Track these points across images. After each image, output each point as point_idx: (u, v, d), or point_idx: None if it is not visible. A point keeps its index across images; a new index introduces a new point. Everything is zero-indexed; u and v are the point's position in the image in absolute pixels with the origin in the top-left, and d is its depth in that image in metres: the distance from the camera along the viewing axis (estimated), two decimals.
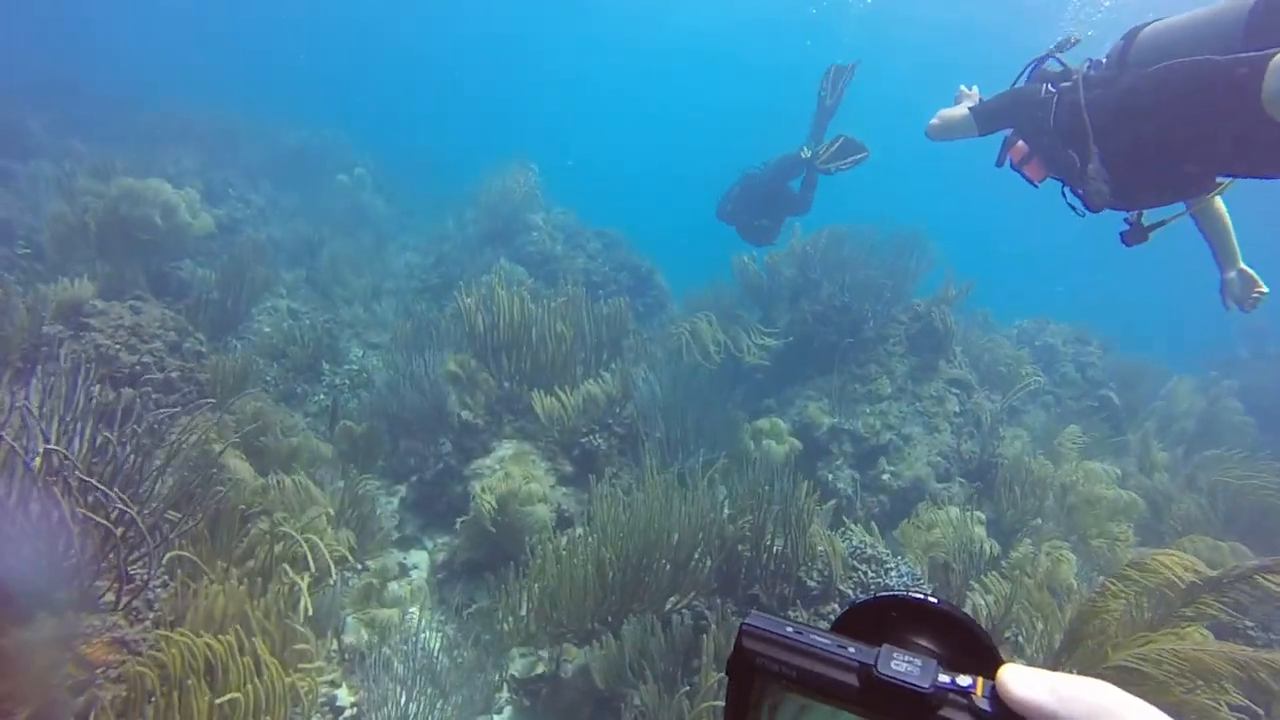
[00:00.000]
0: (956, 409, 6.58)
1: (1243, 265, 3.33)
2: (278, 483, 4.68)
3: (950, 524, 5.34)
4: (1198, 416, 9.17)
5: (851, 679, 0.48)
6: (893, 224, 8.34)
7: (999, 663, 0.49)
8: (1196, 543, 6.27)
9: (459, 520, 4.99)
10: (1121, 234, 3.22)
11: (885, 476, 6.06)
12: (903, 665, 0.48)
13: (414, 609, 4.79)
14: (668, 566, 4.12)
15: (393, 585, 4.83)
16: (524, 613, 4.17)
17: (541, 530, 4.84)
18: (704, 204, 9.60)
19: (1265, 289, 3.34)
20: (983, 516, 5.45)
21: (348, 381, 6.87)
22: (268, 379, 6.41)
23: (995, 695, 0.46)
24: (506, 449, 5.34)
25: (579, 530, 4.97)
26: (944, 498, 5.76)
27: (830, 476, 6.30)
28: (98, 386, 4.45)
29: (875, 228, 8.05)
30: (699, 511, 4.31)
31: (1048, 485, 5.96)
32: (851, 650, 0.49)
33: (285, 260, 9.40)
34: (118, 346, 4.55)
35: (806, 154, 7.80)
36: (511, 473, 4.84)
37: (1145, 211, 3.20)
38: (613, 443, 5.44)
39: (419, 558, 5.18)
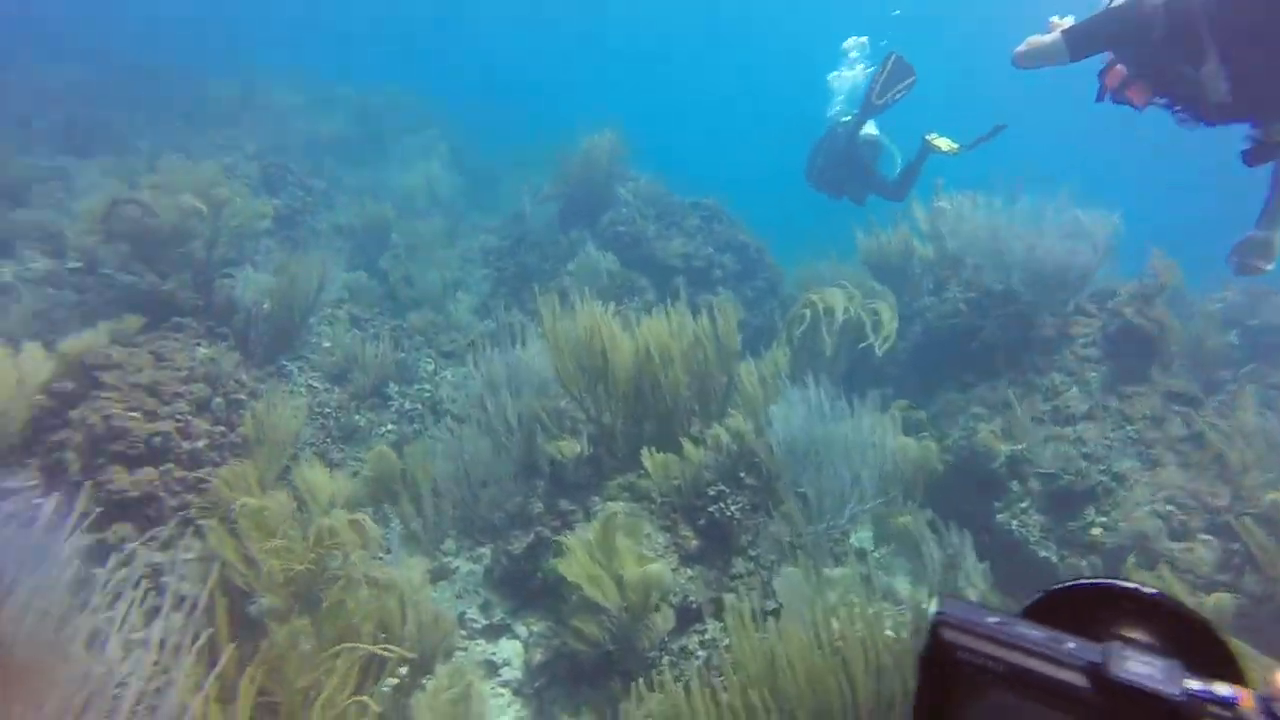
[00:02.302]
0: (1182, 433, 5.07)
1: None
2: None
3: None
4: None
5: (1079, 679, 0.41)
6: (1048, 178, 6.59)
7: (1238, 670, 0.43)
8: None
9: (561, 605, 3.98)
10: (1244, 151, 2.96)
11: (1096, 530, 4.67)
12: (1140, 666, 0.40)
13: None
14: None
15: (479, 693, 3.87)
16: None
17: (663, 624, 3.77)
18: (794, 160, 8.36)
19: (1270, 266, 3.26)
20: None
21: (418, 406, 5.92)
22: (327, 410, 5.51)
23: (1272, 711, 0.39)
24: (613, 512, 4.24)
25: (709, 630, 3.87)
26: (1182, 562, 4.36)
27: (1013, 523, 4.97)
28: (114, 468, 3.57)
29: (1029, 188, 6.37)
30: (877, 627, 3.13)
31: None
32: (1071, 646, 0.42)
33: (350, 253, 8.49)
34: (132, 415, 3.66)
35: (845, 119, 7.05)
36: (619, 549, 3.74)
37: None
38: (744, 500, 4.27)
39: (510, 650, 4.19)
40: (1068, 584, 0.52)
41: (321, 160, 10.06)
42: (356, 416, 5.62)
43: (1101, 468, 4.90)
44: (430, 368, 6.49)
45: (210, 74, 12.89)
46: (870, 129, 7.89)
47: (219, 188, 6.51)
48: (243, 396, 4.44)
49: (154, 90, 12.20)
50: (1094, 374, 5.41)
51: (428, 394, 6.11)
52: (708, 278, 7.69)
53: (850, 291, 6.56)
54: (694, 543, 4.11)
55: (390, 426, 5.70)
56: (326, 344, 6.34)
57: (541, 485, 4.76)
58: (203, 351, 4.45)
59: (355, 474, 5.08)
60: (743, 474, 4.35)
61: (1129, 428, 5.10)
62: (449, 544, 4.90)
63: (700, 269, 7.67)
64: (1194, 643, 0.47)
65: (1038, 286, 5.81)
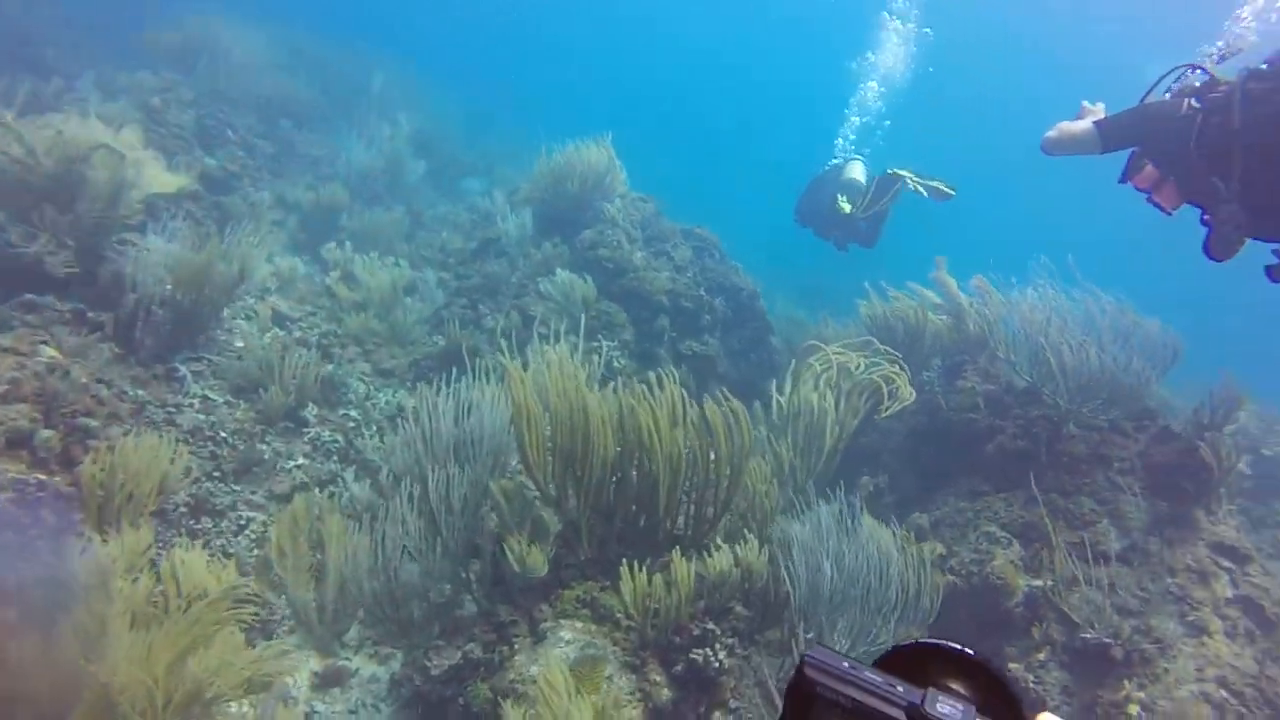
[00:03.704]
0: (1229, 594, 4.41)
1: None
2: None
3: None
4: None
5: (899, 715, 0.53)
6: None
7: (1023, 716, 0.58)
8: None
9: None
10: (1269, 268, 2.83)
11: (1132, 709, 3.93)
12: (946, 708, 0.53)
13: None
14: None
15: None
16: None
17: None
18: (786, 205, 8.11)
19: None
20: None
21: (338, 439, 4.86)
22: (223, 434, 4.42)
23: None
24: (565, 639, 3.30)
25: None
26: None
27: (1029, 677, 4.22)
28: None
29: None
30: None
31: None
32: (900, 689, 0.54)
33: (291, 233, 7.37)
34: None
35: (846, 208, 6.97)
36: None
37: None
38: (733, 640, 3.37)
39: None
40: (912, 642, 0.64)
41: (275, 122, 8.87)
42: (261, 445, 4.55)
43: (1136, 624, 4.19)
44: (362, 390, 5.43)
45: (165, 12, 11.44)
46: (856, 173, 7.51)
47: (131, 133, 5.37)
48: (95, 422, 3.35)
49: (98, 18, 10.72)
50: (1131, 508, 4.71)
51: (354, 423, 5.06)
52: (695, 322, 6.82)
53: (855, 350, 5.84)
54: (665, 693, 3.19)
55: (300, 461, 4.64)
56: (239, 343, 5.24)
57: (477, 569, 3.79)
58: (48, 353, 3.34)
59: (243, 526, 4.02)
60: (736, 604, 3.47)
61: (1170, 580, 4.41)
62: (353, 631, 3.88)
63: (689, 310, 6.79)
64: (996, 696, 0.59)
65: (1078, 393, 5.10)
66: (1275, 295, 3.50)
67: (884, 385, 5.35)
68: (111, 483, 3.07)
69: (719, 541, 3.51)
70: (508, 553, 3.37)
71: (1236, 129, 2.68)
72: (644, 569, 3.25)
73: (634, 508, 3.64)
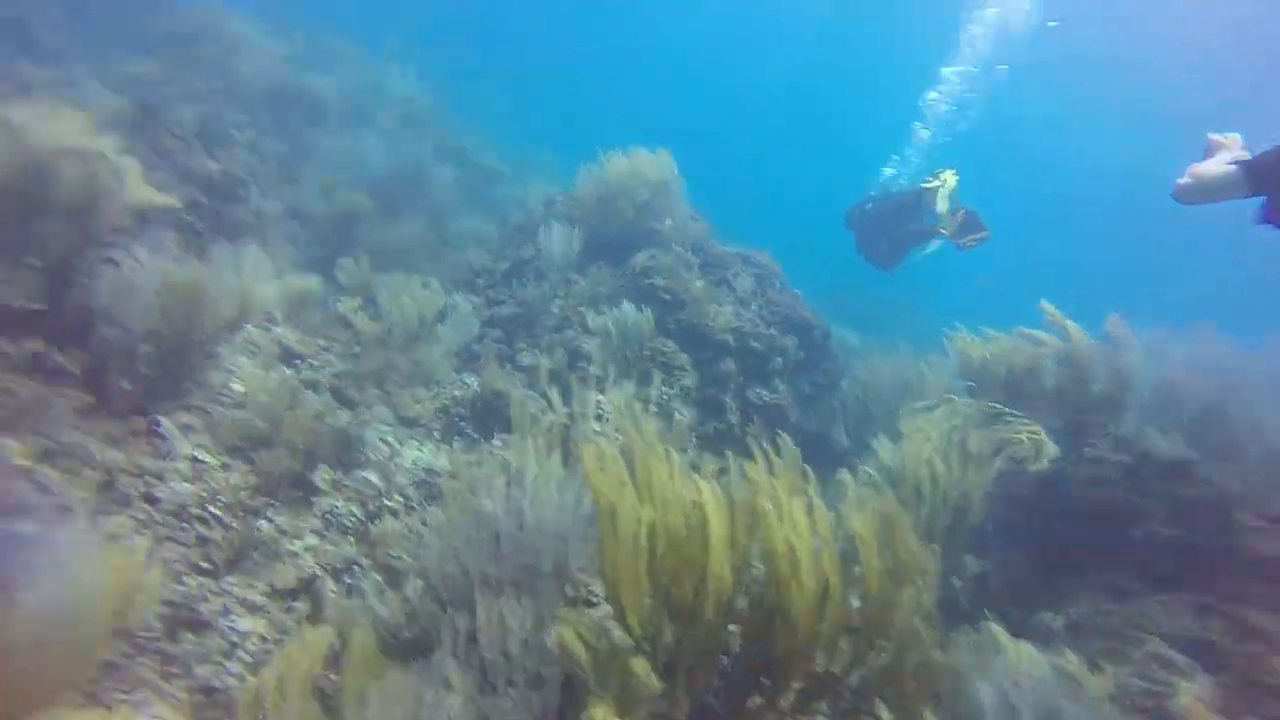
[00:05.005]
0: None
1: None
2: None
3: None
4: None
5: None
6: None
7: None
8: None
9: None
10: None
11: None
12: None
13: None
14: None
15: None
16: None
17: None
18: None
19: None
20: None
21: (355, 514, 3.95)
22: (212, 510, 3.51)
23: None
24: None
25: None
26: None
27: None
28: None
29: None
30: None
31: None
32: None
33: (300, 248, 6.49)
34: None
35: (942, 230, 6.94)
36: None
37: None
38: None
39: None
40: None
41: (286, 116, 8.01)
42: (261, 522, 3.65)
43: None
44: (385, 445, 4.52)
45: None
46: (943, 201, 7.05)
47: (120, 130, 4.51)
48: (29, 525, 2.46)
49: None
50: None
51: (375, 491, 4.16)
52: (764, 366, 5.92)
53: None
54: None
55: (309, 542, 3.73)
56: (238, 387, 4.35)
57: (540, 704, 2.88)
58: None
59: (235, 644, 3.11)
60: None
61: None
62: None
63: (758, 353, 5.88)
64: None
65: (1257, 473, 4.19)
66: None
67: (1025, 439, 4.46)
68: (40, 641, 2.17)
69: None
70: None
71: None
72: None
73: (749, 650, 2.73)
